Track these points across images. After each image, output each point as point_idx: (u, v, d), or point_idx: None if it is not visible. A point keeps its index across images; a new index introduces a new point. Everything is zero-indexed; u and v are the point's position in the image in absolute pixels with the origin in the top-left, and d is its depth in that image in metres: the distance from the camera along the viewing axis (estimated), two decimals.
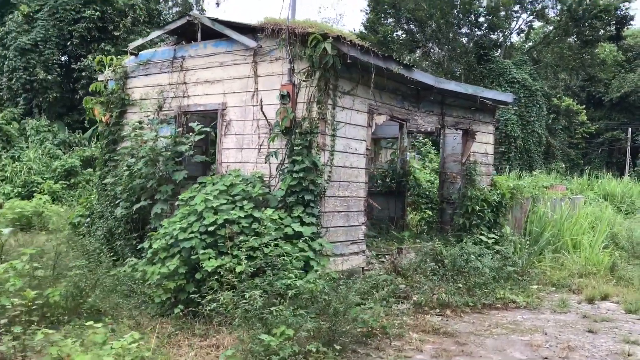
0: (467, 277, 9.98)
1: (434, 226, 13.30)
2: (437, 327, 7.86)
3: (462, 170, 12.31)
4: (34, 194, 19.15)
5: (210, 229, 7.73)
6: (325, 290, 6.69)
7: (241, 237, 7.69)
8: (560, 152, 40.29)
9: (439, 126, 11.35)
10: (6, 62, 27.68)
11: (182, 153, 9.53)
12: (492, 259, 10.68)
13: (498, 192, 12.78)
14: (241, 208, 8.15)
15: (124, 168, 9.97)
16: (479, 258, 10.41)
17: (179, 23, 10.11)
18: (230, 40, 9.55)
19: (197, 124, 9.44)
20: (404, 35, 40.74)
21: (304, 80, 8.54)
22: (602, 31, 40.24)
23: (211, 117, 10.16)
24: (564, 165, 36.26)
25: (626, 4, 39.00)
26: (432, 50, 39.82)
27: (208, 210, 7.97)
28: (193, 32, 10.14)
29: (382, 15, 38.22)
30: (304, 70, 8.59)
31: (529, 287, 10.53)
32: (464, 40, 38.48)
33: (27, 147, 24.96)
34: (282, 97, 8.70)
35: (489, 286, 9.75)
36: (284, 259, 7.32)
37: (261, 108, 8.99)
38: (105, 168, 11.24)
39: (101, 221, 10.70)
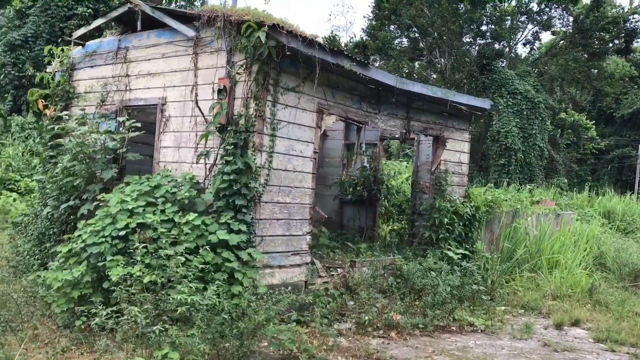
0: (424, 296, 9.15)
1: (405, 239, 12.47)
2: (372, 351, 7.04)
3: (431, 179, 11.47)
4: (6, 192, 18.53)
5: (122, 233, 6.98)
6: (224, 307, 5.87)
7: (157, 244, 6.93)
8: (563, 167, 39.14)
9: (404, 131, 10.52)
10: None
11: (114, 150, 8.79)
12: (455, 276, 9.83)
13: (472, 204, 11.92)
14: (162, 212, 7.39)
15: (58, 165, 9.24)
16: (438, 275, 9.56)
17: (120, 10, 9.41)
18: (173, 30, 8.82)
19: (128, 119, 8.72)
20: (407, 43, 39.98)
21: (238, 74, 7.77)
22: (611, 44, 39.23)
23: (153, 113, 9.42)
24: (565, 181, 35.12)
25: (636, 16, 38.02)
26: (435, 59, 38.98)
27: (123, 213, 7.22)
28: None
29: (385, 22, 37.45)
30: (240, 63, 7.83)
31: (494, 308, 9.68)
32: (467, 49, 37.62)
33: (11, 144, 24.43)
34: (219, 91, 7.94)
35: (447, 306, 8.91)
36: (189, 270, 6.51)
37: (196, 103, 8.25)
38: (48, 165, 10.51)
39: (38, 221, 9.98)
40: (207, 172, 8.02)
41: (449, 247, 11.04)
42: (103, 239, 7.03)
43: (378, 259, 10.03)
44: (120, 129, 9.19)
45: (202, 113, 8.22)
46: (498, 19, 36.84)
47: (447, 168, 11.59)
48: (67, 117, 9.83)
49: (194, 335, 5.30)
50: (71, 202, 8.70)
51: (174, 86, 8.82)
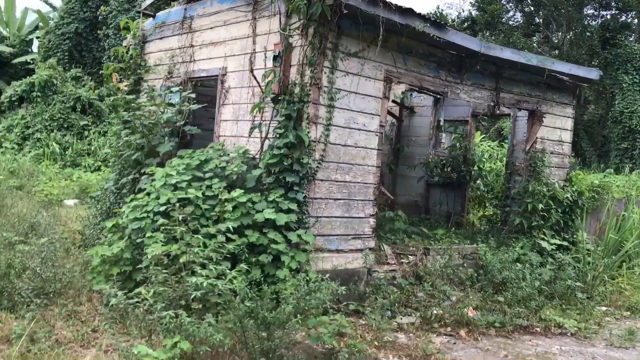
0: (506, 290, 8.06)
1: (496, 226, 11.25)
2: (431, 351, 6.13)
3: (525, 160, 10.16)
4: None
5: (162, 209, 6.56)
6: (248, 294, 5.22)
7: (198, 222, 6.45)
8: None
9: (492, 103, 9.31)
10: (107, 41, 28.46)
11: (173, 123, 8.44)
12: (546, 269, 8.60)
13: (574, 189, 10.46)
14: (209, 187, 6.89)
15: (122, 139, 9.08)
16: (524, 268, 8.39)
17: None
18: None
19: (190, 91, 8.31)
20: (520, 18, 37.18)
21: (290, 36, 7.06)
22: None
23: (216, 84, 8.97)
24: None
25: None
26: (552, 35, 35.94)
27: (167, 187, 6.80)
28: None
29: None
30: (295, 25, 7.11)
31: (591, 309, 8.36)
32: (589, 22, 34.30)
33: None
34: (274, 58, 7.29)
35: (531, 303, 7.77)
36: (217, 251, 5.94)
37: (251, 71, 7.65)
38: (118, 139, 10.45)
39: (106, 195, 9.94)
40: (261, 146, 7.41)
41: (543, 236, 9.73)
42: (145, 214, 6.66)
43: (456, 246, 8.99)
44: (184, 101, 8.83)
45: (257, 83, 7.60)
46: None
47: (545, 147, 10.22)
48: (138, 90, 9.65)
49: (209, 324, 4.70)
50: (131, 176, 8.49)
51: (234, 55, 8.29)
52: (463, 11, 38.70)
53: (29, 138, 21.58)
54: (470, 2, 36.82)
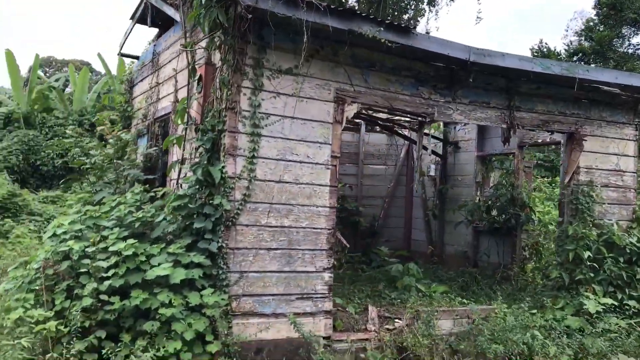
0: None
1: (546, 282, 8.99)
2: None
3: (565, 195, 8.01)
4: None
5: (36, 266, 5.51)
6: None
7: (75, 281, 5.33)
8: None
9: (504, 125, 7.40)
10: None
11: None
12: (591, 339, 6.42)
13: None
14: (104, 238, 5.76)
15: None
16: (547, 336, 6.28)
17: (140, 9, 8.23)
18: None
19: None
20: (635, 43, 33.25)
21: (192, 53, 5.88)
22: None
23: None
24: None
25: None
26: None
27: (53, 239, 5.76)
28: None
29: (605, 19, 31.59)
30: (206, 41, 5.95)
31: None
32: None
33: None
34: (198, 82, 6.17)
35: None
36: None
37: (176, 101, 6.54)
38: None
39: None
40: (175, 188, 6.21)
41: (592, 293, 7.44)
42: (26, 271, 5.65)
43: (463, 308, 7.05)
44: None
45: (189, 115, 6.48)
46: None
47: (593, 179, 8.00)
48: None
49: None
50: None
51: (181, 88, 7.28)
52: (572, 43, 35.28)
53: None
54: (576, 32, 33.61)
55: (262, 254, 5.88)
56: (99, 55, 21.53)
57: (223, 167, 5.66)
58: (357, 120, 11.82)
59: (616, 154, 8.20)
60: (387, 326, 6.76)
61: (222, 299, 5.48)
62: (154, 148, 7.61)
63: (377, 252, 10.14)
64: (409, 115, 7.47)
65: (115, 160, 7.46)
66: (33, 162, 15.15)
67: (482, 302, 7.57)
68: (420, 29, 27.80)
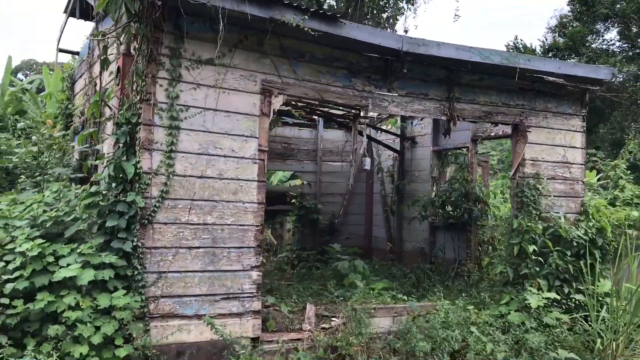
0: None
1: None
2: None
3: (511, 189, 7.84)
4: None
5: None
6: None
7: None
8: None
9: (444, 117, 7.20)
10: None
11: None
12: (534, 334, 6.23)
13: (590, 224, 7.90)
14: (13, 239, 5.46)
15: None
16: (484, 334, 6.10)
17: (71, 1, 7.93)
18: None
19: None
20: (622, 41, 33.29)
21: (102, 43, 5.61)
22: None
23: None
24: None
25: None
26: None
27: None
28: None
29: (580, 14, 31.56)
30: (118, 29, 5.68)
31: None
32: None
33: None
34: (117, 74, 5.90)
35: None
36: None
37: (95, 91, 6.27)
38: None
39: None
40: (90, 185, 5.92)
41: (539, 288, 7.26)
42: None
43: (402, 305, 6.84)
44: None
45: (109, 107, 6.21)
46: None
47: (539, 171, 7.83)
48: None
49: None
50: None
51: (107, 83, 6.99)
52: (547, 40, 35.25)
53: None
54: (550, 28, 33.57)
55: (182, 253, 5.62)
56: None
57: (137, 162, 5.40)
58: (314, 117, 11.62)
59: (563, 146, 8.04)
60: (323, 325, 6.54)
61: (136, 301, 5.21)
62: (86, 145, 7.32)
63: (329, 249, 9.91)
64: (341, 108, 7.22)
65: (39, 159, 7.16)
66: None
67: (431, 300, 7.36)
68: (399, 27, 27.51)
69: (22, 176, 7.35)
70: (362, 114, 6.69)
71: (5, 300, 4.87)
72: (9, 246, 5.29)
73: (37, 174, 7.08)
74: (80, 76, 8.94)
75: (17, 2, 79.24)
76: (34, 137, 7.50)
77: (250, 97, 5.98)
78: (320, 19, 5.88)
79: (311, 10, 5.79)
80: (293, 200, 11.82)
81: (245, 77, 5.96)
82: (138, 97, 5.47)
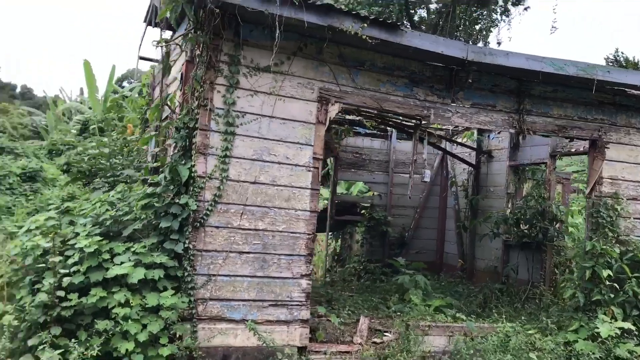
0: None
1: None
2: None
3: (587, 208, 7.34)
4: None
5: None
6: None
7: (39, 276, 5.32)
8: None
9: (513, 130, 6.86)
10: None
11: None
12: None
13: None
14: (76, 235, 5.73)
15: None
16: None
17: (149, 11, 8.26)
18: None
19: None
20: None
21: (166, 49, 5.79)
22: None
23: None
24: None
25: None
26: None
27: (26, 235, 5.80)
28: None
29: None
30: (181, 37, 5.85)
31: None
32: None
33: None
34: (181, 80, 6.10)
35: None
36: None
37: (160, 96, 6.49)
38: None
39: None
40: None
41: (613, 317, 6.74)
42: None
43: (459, 325, 6.56)
44: None
45: (171, 110, 6.42)
46: None
47: (618, 191, 7.29)
48: None
49: None
50: None
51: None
52: None
53: None
54: None
55: (233, 257, 5.67)
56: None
57: (193, 165, 5.53)
58: (388, 128, 11.47)
59: None
60: (374, 339, 6.39)
61: (183, 302, 5.31)
62: (158, 148, 7.59)
63: (394, 262, 9.71)
64: (401, 117, 7.06)
65: (111, 160, 7.50)
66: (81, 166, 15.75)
67: (492, 321, 7.02)
68: (492, 39, 26.70)
69: (96, 177, 7.72)
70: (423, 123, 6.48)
71: (62, 293, 5.10)
72: (71, 242, 5.56)
73: (109, 175, 7.43)
74: (158, 83, 9.30)
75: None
76: (105, 140, 7.89)
77: (307, 104, 5.98)
78: (380, 27, 5.78)
79: (370, 18, 5.71)
80: (363, 211, 11.73)
81: (303, 85, 5.96)
82: (196, 103, 5.60)
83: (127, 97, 21.22)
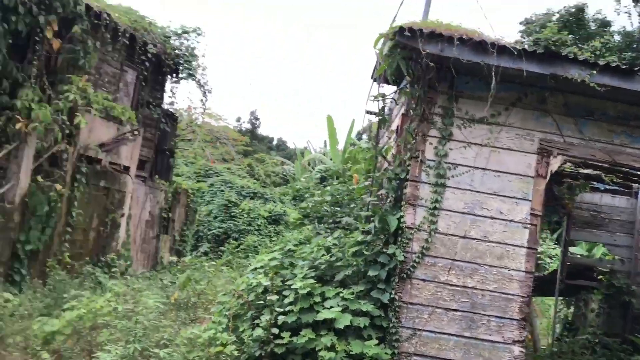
0: None
1: None
2: None
3: None
4: None
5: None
6: None
7: (259, 312, 5.80)
8: None
9: None
10: None
11: None
12: None
13: None
14: (293, 275, 6.12)
15: None
16: None
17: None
18: None
19: None
20: None
21: (382, 103, 5.93)
22: None
23: None
24: None
25: None
26: None
27: (255, 273, 6.36)
28: None
29: None
30: (397, 92, 5.99)
31: None
32: None
33: None
34: (397, 133, 6.28)
35: None
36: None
37: (375, 148, 6.69)
38: None
39: None
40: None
41: None
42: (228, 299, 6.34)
43: None
44: None
45: (387, 161, 6.59)
46: None
47: None
48: None
49: None
50: None
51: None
52: None
53: None
54: None
55: (439, 313, 5.50)
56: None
57: (402, 216, 5.55)
58: (634, 185, 10.23)
59: None
60: None
61: (386, 353, 5.27)
62: (373, 198, 7.81)
63: (635, 340, 8.41)
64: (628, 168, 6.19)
65: (331, 207, 7.90)
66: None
67: None
68: None
69: (318, 222, 8.20)
70: None
71: (276, 331, 5.45)
72: (289, 282, 5.95)
73: (330, 221, 7.84)
74: (382, 135, 9.65)
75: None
76: (327, 188, 8.36)
77: (525, 157, 5.63)
78: (613, 73, 5.25)
79: (600, 64, 5.22)
80: (600, 277, 10.49)
81: (521, 136, 5.65)
82: (408, 155, 5.66)
83: (363, 148, 22.52)
